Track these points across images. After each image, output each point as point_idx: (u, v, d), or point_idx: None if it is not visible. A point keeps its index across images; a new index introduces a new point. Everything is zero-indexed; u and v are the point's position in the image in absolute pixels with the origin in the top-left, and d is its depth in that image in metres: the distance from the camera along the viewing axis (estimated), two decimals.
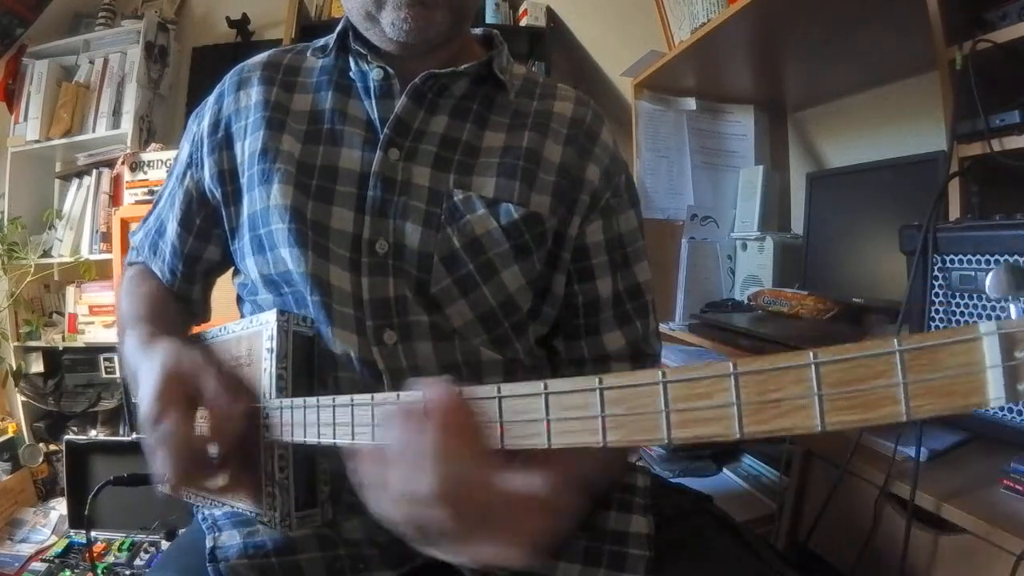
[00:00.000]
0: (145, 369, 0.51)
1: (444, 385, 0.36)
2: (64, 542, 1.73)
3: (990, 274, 0.23)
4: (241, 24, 2.26)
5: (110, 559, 1.61)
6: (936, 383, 0.21)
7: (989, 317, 0.72)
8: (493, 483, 0.34)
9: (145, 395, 0.48)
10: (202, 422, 0.50)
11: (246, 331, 0.55)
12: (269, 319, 0.52)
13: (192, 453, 0.48)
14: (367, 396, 0.40)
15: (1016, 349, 0.20)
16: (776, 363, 0.24)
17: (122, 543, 1.65)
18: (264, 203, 0.59)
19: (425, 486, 0.34)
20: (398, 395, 0.38)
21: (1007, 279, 0.23)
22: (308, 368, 0.54)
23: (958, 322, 0.76)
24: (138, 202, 1.87)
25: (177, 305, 0.70)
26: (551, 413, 0.30)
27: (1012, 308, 0.22)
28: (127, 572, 1.58)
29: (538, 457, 0.36)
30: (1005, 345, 0.20)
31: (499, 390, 0.32)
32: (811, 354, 0.23)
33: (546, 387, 0.30)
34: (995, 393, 0.20)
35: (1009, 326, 0.20)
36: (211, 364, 0.51)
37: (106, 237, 2.02)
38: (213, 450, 0.51)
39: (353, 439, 0.40)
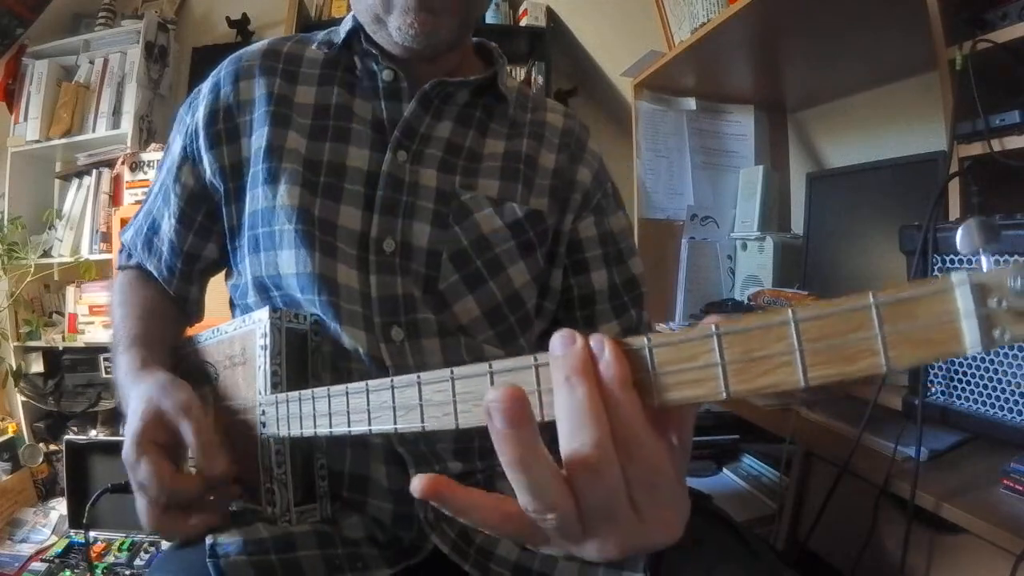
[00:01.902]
0: (132, 404, 0.52)
1: (597, 336, 0.29)
2: (64, 542, 1.73)
3: (959, 229, 0.24)
4: (241, 24, 2.26)
5: (110, 559, 1.61)
6: (913, 333, 0.21)
7: None
8: (662, 444, 0.29)
9: (127, 434, 0.49)
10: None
11: (239, 331, 0.55)
12: (262, 317, 0.52)
13: (168, 499, 0.48)
14: (361, 384, 0.40)
15: (989, 297, 0.20)
16: (758, 322, 0.24)
17: (122, 543, 1.65)
18: (269, 202, 0.59)
19: (593, 436, 0.27)
20: (535, 357, 0.31)
21: (977, 232, 0.23)
22: (302, 364, 0.54)
23: None
24: (138, 202, 1.87)
25: (172, 312, 0.68)
26: (542, 384, 0.30)
27: (983, 260, 0.22)
28: (127, 572, 1.58)
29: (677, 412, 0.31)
30: (978, 294, 0.20)
31: (491, 366, 0.32)
32: (790, 311, 0.24)
33: (536, 360, 0.30)
34: (971, 340, 0.20)
35: (981, 276, 0.20)
36: (197, 404, 0.50)
37: (106, 237, 2.03)
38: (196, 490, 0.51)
39: (350, 427, 0.40)
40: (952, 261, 0.76)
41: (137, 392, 0.52)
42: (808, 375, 0.23)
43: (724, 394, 0.25)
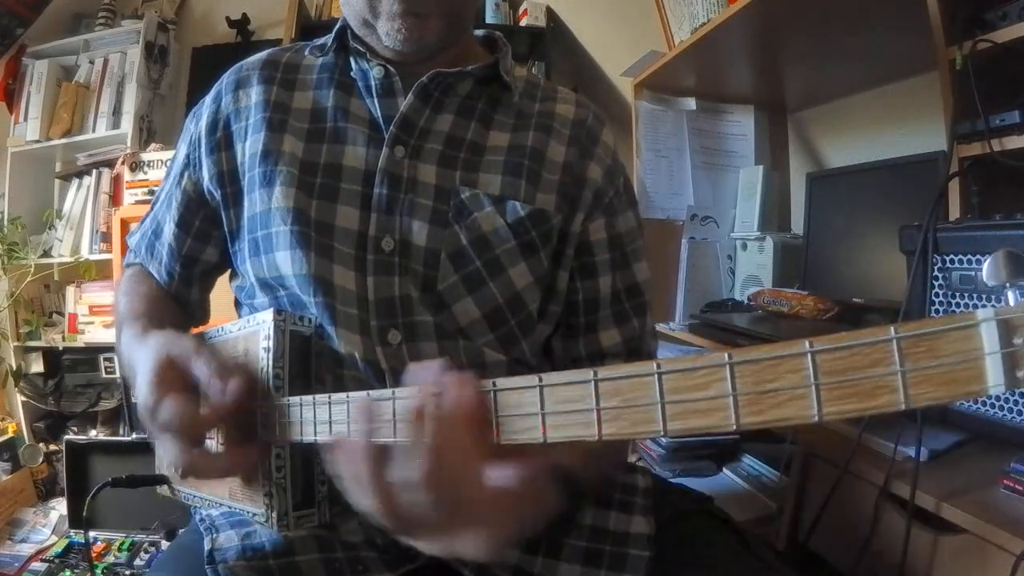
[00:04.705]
0: (141, 361, 0.51)
1: (457, 374, 0.35)
2: (64, 542, 1.73)
3: (987, 261, 0.23)
4: (241, 24, 2.26)
5: (110, 559, 1.61)
6: (934, 371, 0.20)
7: None
8: (478, 476, 0.35)
9: (142, 386, 0.48)
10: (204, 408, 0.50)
11: (243, 331, 0.55)
12: (266, 319, 0.52)
13: (195, 435, 0.47)
14: (363, 393, 0.39)
15: (1015, 335, 0.19)
16: (772, 352, 0.23)
17: (122, 543, 1.65)
18: (265, 205, 0.59)
19: (417, 473, 0.34)
20: (393, 391, 0.38)
21: (1005, 265, 0.23)
22: (305, 367, 0.53)
23: None
24: (138, 202, 1.87)
25: (175, 305, 0.69)
26: (546, 407, 0.30)
27: (1010, 295, 0.21)
28: (127, 572, 1.58)
29: (517, 451, 0.36)
30: (1003, 331, 0.19)
31: (494, 384, 0.32)
32: (807, 343, 0.23)
33: (541, 380, 0.30)
34: (994, 380, 0.19)
35: (1007, 312, 0.19)
36: (203, 347, 0.50)
37: (106, 237, 2.02)
38: (216, 441, 0.51)
39: (350, 436, 0.40)
40: (952, 261, 0.76)
41: (144, 351, 0.51)
42: (823, 410, 0.22)
43: (734, 425, 0.24)
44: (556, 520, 0.49)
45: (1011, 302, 0.21)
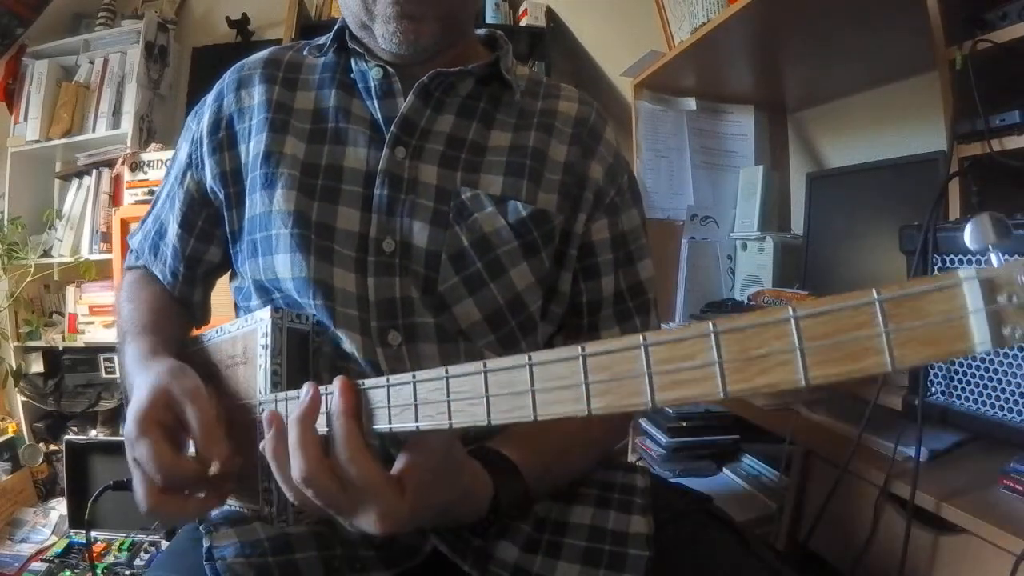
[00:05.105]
0: (138, 384, 0.51)
1: (308, 384, 0.42)
2: (64, 542, 1.73)
3: (969, 223, 0.23)
4: (241, 24, 2.26)
5: (110, 559, 1.62)
6: (919, 331, 0.20)
7: None
8: (363, 464, 0.39)
9: (130, 413, 0.48)
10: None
11: (241, 330, 0.55)
12: (263, 316, 0.52)
13: (166, 484, 0.47)
14: (358, 383, 0.40)
15: (998, 293, 0.19)
16: (756, 320, 0.24)
17: (122, 543, 1.65)
18: (266, 207, 0.59)
19: (292, 472, 0.40)
20: (286, 394, 0.46)
21: (988, 228, 0.23)
22: (303, 363, 0.54)
23: None
24: (138, 202, 1.87)
25: (178, 309, 0.69)
26: (536, 384, 0.30)
27: (993, 257, 0.21)
28: (127, 572, 1.58)
29: (409, 444, 0.41)
30: (986, 290, 0.19)
31: (485, 365, 0.32)
32: (790, 309, 0.23)
33: (531, 359, 0.30)
34: (980, 338, 0.19)
35: (989, 271, 0.19)
36: (203, 393, 0.49)
37: (106, 237, 2.02)
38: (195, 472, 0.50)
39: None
40: (952, 261, 0.76)
41: (146, 374, 0.51)
42: (809, 375, 0.22)
43: (722, 393, 0.24)
44: (515, 512, 0.50)
45: (995, 263, 0.20)
